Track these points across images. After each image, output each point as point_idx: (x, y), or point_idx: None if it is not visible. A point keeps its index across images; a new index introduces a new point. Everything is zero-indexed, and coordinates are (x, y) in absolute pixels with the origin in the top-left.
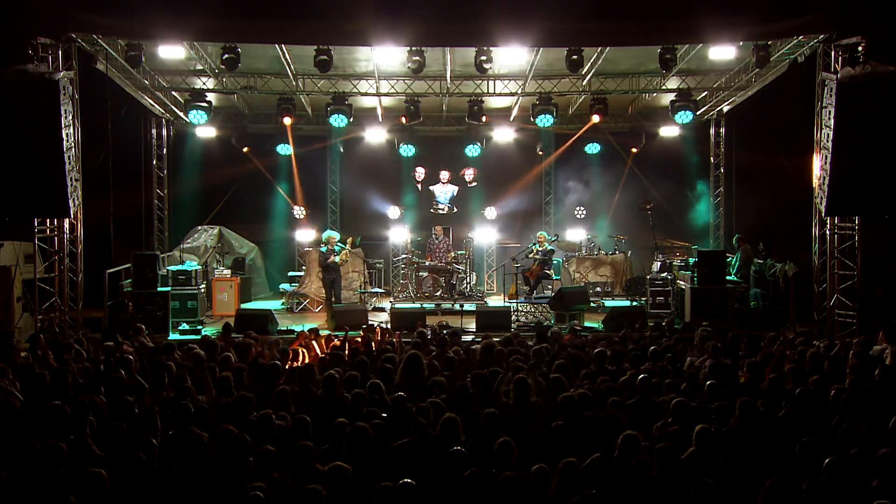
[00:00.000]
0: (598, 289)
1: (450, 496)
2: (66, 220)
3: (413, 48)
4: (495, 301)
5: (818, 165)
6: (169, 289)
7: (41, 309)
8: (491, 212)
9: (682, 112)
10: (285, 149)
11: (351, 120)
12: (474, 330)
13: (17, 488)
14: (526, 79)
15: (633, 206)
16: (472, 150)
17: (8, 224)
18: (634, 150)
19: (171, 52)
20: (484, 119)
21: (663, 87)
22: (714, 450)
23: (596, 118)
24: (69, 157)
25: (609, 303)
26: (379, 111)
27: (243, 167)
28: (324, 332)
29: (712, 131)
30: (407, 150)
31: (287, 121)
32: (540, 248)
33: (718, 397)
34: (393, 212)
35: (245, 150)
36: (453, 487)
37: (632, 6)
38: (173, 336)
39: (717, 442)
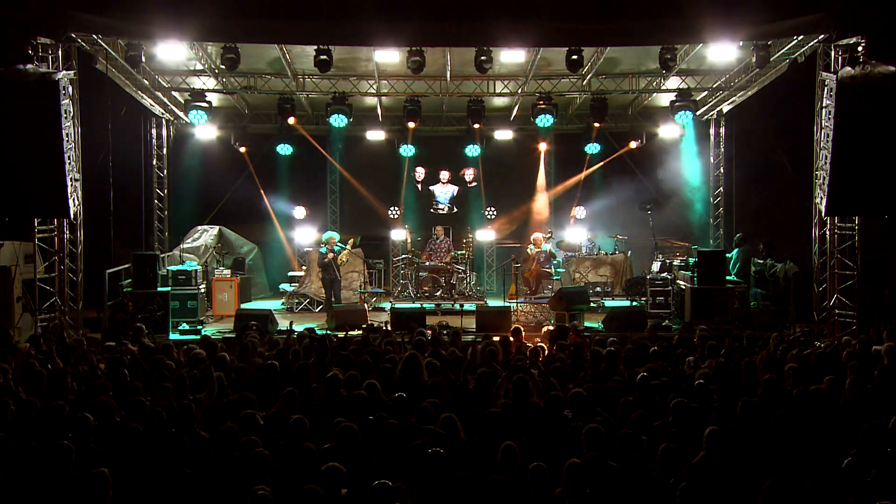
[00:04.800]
0: (598, 289)
1: (446, 498)
2: (66, 220)
3: (413, 48)
4: (495, 301)
5: (818, 165)
6: (169, 289)
7: (41, 309)
8: (491, 212)
9: (682, 112)
10: (285, 149)
11: (351, 120)
12: (474, 330)
13: (25, 488)
14: (526, 79)
15: (633, 206)
16: (472, 150)
17: (8, 224)
18: (633, 144)
19: (171, 52)
20: (477, 126)
21: (663, 87)
22: (724, 452)
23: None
24: (69, 157)
25: (609, 303)
26: (379, 111)
27: (243, 167)
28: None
29: (712, 131)
30: (407, 150)
31: (291, 120)
32: (536, 249)
33: (719, 398)
34: (393, 212)
35: (243, 149)
36: (449, 490)
37: (632, 6)
38: (173, 336)
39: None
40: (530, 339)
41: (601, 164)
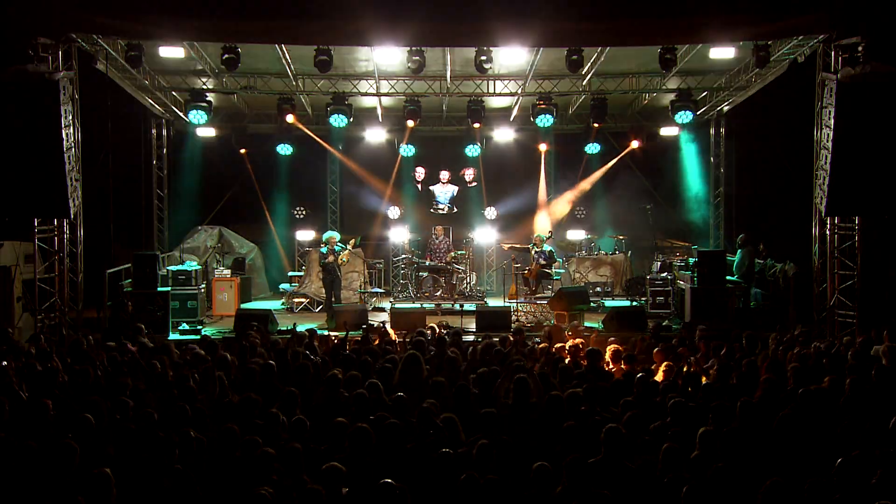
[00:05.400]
0: (598, 289)
1: (447, 499)
2: (66, 220)
3: (413, 48)
4: (495, 301)
5: (818, 165)
6: (169, 289)
7: (41, 309)
8: (491, 212)
9: (682, 112)
10: (285, 149)
11: (351, 120)
12: (474, 330)
13: (26, 488)
14: (526, 79)
15: (633, 206)
16: (472, 150)
17: (8, 224)
18: (635, 143)
19: (171, 52)
20: (477, 125)
21: (663, 87)
22: (718, 451)
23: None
24: (69, 157)
25: (609, 303)
26: (379, 111)
27: (243, 167)
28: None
29: (712, 131)
30: (407, 150)
31: (290, 118)
32: (538, 250)
33: (719, 398)
34: (393, 212)
35: (242, 151)
36: (451, 490)
37: (632, 6)
38: (173, 336)
39: (720, 443)
40: (530, 339)
41: (608, 166)
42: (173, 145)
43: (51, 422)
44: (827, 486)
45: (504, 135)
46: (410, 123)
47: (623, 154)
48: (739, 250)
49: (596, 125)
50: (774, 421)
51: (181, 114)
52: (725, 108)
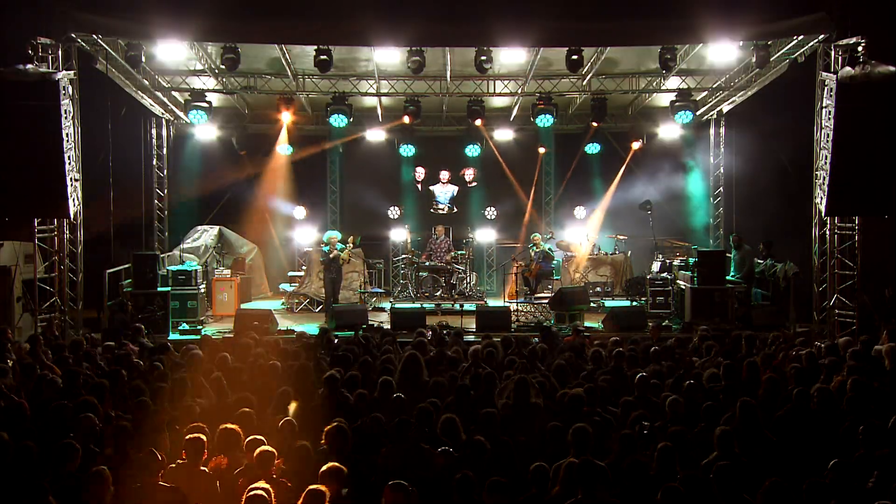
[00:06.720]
0: (598, 289)
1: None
2: (66, 220)
3: (413, 48)
4: (495, 301)
5: (818, 165)
6: (169, 289)
7: (41, 309)
8: (491, 212)
9: (682, 112)
10: (285, 149)
11: (351, 120)
12: (474, 330)
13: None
14: (526, 79)
15: (633, 206)
16: (472, 150)
17: (8, 224)
18: (636, 144)
19: (171, 52)
20: (479, 123)
21: (663, 87)
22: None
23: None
24: (69, 157)
25: (609, 303)
26: (379, 111)
27: (243, 167)
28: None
29: (712, 131)
30: (407, 150)
31: (287, 116)
32: (537, 250)
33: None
34: (393, 212)
35: (242, 153)
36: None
37: (632, 6)
38: (173, 336)
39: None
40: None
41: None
42: (173, 145)
43: (29, 420)
44: (826, 486)
45: (504, 135)
46: (407, 120)
47: (628, 159)
48: (735, 251)
49: (596, 125)
50: (775, 421)
51: (181, 114)
52: (725, 108)
